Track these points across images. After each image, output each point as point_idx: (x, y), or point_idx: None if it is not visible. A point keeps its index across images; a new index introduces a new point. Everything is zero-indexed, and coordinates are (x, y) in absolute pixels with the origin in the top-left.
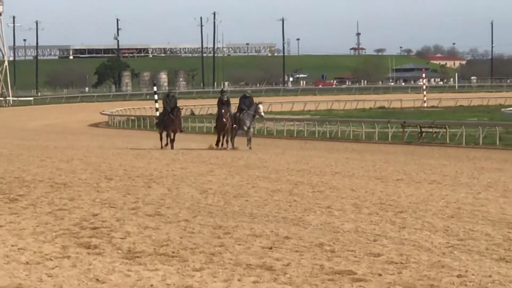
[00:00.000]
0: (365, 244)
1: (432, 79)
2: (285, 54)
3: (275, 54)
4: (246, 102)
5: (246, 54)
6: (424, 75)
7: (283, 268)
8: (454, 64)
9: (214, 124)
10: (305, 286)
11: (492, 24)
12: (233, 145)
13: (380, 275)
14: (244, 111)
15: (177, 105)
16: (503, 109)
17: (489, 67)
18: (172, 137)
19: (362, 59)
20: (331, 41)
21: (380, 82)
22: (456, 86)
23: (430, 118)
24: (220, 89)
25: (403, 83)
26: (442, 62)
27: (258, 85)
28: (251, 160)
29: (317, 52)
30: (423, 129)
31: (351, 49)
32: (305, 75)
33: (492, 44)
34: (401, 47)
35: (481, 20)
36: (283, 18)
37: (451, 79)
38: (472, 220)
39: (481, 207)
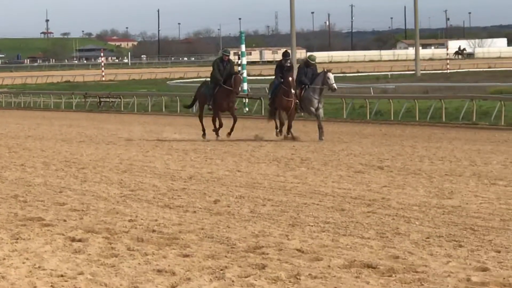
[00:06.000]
0: (52, 195)
1: (110, 58)
2: None
3: None
4: (309, 73)
5: None
6: (102, 54)
7: None
8: (127, 45)
9: (269, 100)
10: (1, 231)
11: (158, 11)
12: (291, 132)
13: (65, 220)
14: (307, 86)
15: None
16: (168, 82)
17: (156, 47)
18: (233, 117)
19: (51, 42)
20: (25, 26)
21: (66, 61)
22: (129, 63)
23: (108, 90)
24: (283, 51)
25: (85, 61)
26: (118, 43)
27: None
28: None
29: (13, 35)
30: (101, 99)
31: (41, 33)
32: (3, 55)
33: (158, 28)
34: (83, 31)
35: (150, 7)
36: None
37: (125, 57)
38: (141, 174)
39: (150, 163)
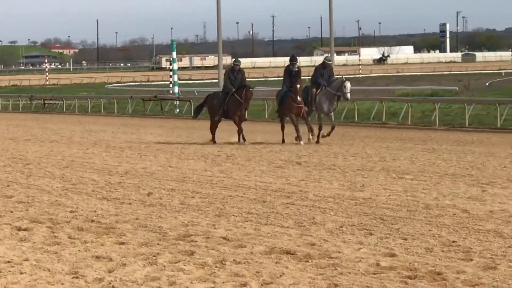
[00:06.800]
0: (0, 188)
1: (53, 64)
2: None
3: None
4: (325, 74)
5: None
6: (46, 61)
7: None
8: (69, 52)
9: (276, 105)
10: None
11: (97, 21)
12: (300, 137)
13: (11, 211)
14: (323, 87)
15: (246, 83)
16: (106, 85)
17: (96, 54)
18: (239, 126)
19: None
20: None
21: (14, 66)
22: (71, 69)
23: (51, 92)
24: (290, 56)
25: (31, 67)
26: (61, 51)
27: None
28: None
29: None
30: (46, 101)
31: None
32: None
33: (97, 36)
34: (29, 39)
35: (89, 17)
36: None
37: (67, 63)
38: (82, 169)
39: (89, 159)
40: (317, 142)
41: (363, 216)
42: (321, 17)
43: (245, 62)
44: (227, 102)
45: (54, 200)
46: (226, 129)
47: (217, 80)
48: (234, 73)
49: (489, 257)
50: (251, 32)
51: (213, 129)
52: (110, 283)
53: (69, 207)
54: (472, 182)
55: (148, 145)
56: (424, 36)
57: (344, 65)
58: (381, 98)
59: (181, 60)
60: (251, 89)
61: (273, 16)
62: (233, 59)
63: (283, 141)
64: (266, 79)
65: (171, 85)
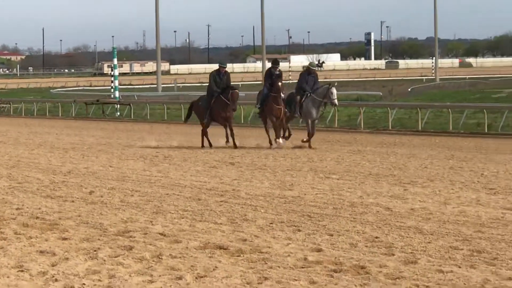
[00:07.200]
0: None
1: (1, 69)
2: None
3: None
4: (310, 81)
5: None
6: None
7: None
8: (16, 58)
9: (257, 108)
10: None
11: (43, 29)
12: (284, 136)
13: None
14: (308, 95)
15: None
16: (51, 90)
17: (41, 60)
18: (230, 129)
19: None
20: None
21: None
22: (18, 74)
23: None
24: (273, 59)
25: None
26: (8, 57)
27: None
28: None
29: None
30: None
31: None
32: None
33: (43, 44)
34: None
35: (35, 25)
36: None
37: (15, 69)
38: (28, 169)
39: (35, 160)
40: (310, 147)
41: (292, 213)
42: (253, 26)
43: (181, 68)
44: (213, 104)
45: (0, 198)
46: (215, 133)
47: (155, 85)
48: (220, 75)
49: (410, 252)
50: (187, 40)
51: (203, 134)
52: (53, 276)
53: (15, 205)
54: (395, 181)
55: (90, 146)
56: (350, 44)
57: None
58: None
59: (121, 66)
60: (236, 90)
61: (208, 25)
62: (219, 62)
63: (270, 143)
64: (201, 84)
65: (112, 90)
